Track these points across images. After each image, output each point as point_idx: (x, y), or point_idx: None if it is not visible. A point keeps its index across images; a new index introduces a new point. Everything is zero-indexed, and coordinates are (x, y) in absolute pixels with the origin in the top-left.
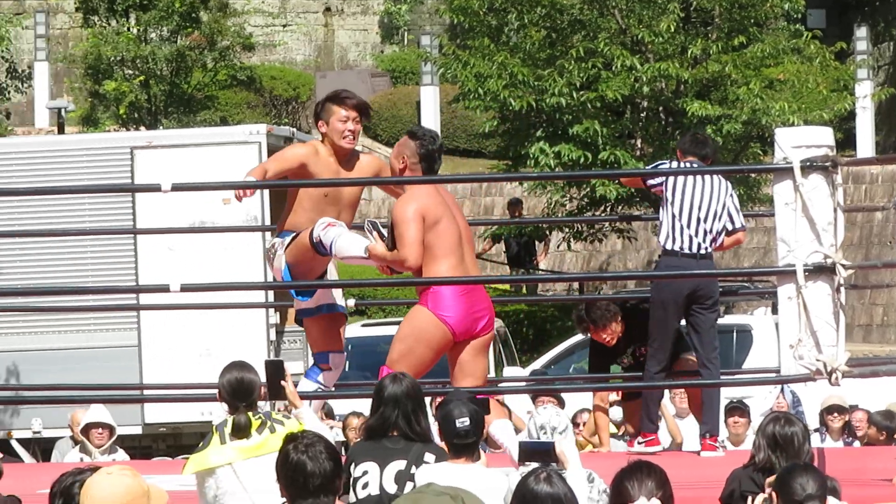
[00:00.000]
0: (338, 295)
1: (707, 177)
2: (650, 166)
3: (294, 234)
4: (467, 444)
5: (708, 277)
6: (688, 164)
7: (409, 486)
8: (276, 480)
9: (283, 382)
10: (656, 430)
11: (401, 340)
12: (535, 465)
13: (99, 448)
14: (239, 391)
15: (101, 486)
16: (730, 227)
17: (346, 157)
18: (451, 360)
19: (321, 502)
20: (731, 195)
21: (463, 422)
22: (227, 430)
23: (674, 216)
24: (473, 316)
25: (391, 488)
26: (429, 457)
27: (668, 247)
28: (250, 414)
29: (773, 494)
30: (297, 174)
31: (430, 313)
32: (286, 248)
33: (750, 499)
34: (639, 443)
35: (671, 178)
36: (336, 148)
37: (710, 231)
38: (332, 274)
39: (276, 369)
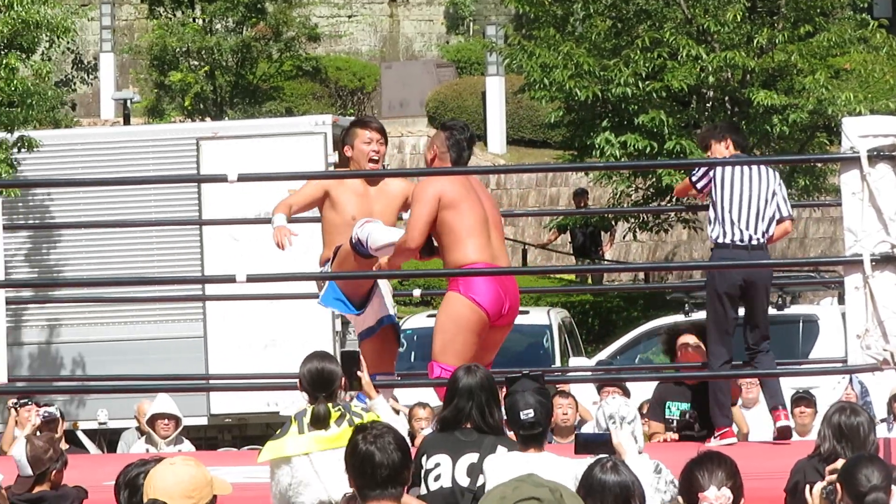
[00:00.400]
0: (390, 306)
1: (755, 166)
2: (698, 170)
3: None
4: (534, 434)
5: (774, 268)
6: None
7: (481, 478)
8: (345, 471)
9: (359, 373)
10: (730, 423)
11: (441, 331)
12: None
13: (165, 439)
14: (319, 381)
15: (164, 477)
16: (778, 216)
17: (374, 182)
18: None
19: (389, 493)
20: (780, 184)
21: (528, 413)
22: (306, 419)
23: (723, 209)
24: (501, 300)
25: (463, 481)
26: (501, 449)
27: (720, 240)
28: (330, 405)
29: (839, 485)
30: (323, 202)
31: (463, 297)
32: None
33: (808, 487)
34: (714, 438)
35: (719, 172)
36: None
37: (763, 220)
38: (385, 286)
39: (352, 360)
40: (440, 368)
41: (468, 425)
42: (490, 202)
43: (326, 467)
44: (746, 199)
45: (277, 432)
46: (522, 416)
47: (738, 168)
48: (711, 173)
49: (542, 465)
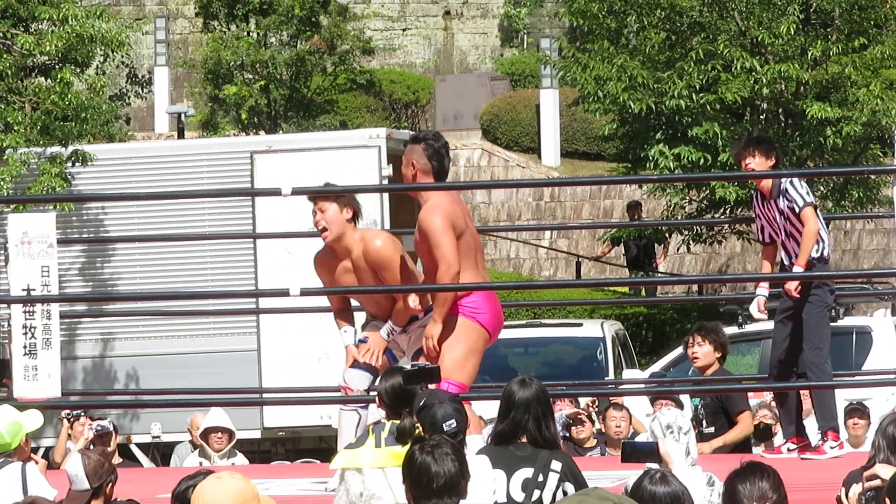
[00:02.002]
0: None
1: None
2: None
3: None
4: (459, 441)
5: (828, 279)
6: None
7: (536, 493)
8: (402, 481)
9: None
10: (838, 427)
11: (450, 350)
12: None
13: (218, 452)
14: (401, 396)
15: (212, 491)
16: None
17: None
18: None
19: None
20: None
21: (450, 424)
22: (384, 433)
23: (821, 225)
24: (500, 317)
25: (518, 496)
26: (555, 464)
27: (824, 254)
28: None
29: (887, 500)
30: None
31: (467, 319)
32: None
33: (844, 490)
34: (830, 447)
35: (805, 190)
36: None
37: None
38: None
39: (431, 375)
40: (447, 384)
41: (524, 439)
42: (471, 221)
43: (400, 482)
44: None
45: (354, 441)
46: (446, 428)
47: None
48: (807, 192)
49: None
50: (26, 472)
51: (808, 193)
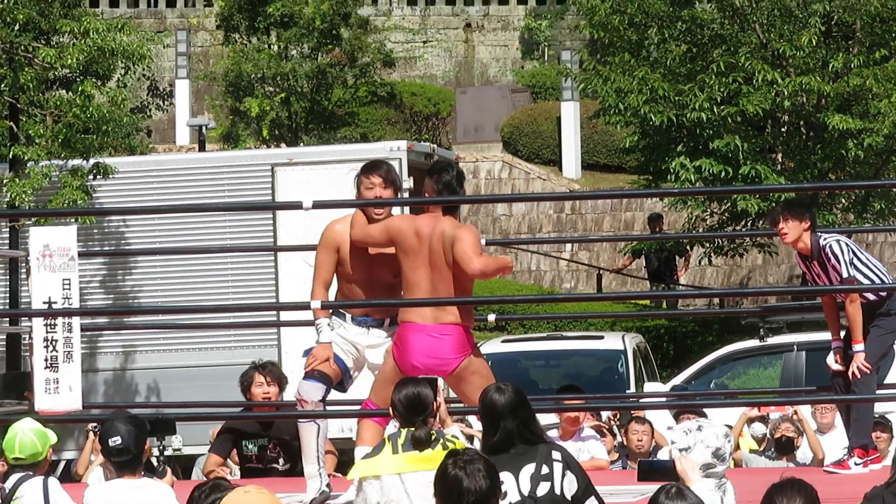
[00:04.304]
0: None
1: None
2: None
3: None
4: (124, 461)
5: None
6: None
7: (545, 485)
8: (433, 494)
9: (438, 399)
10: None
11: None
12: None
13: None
14: (416, 406)
15: None
16: None
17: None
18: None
19: None
20: None
21: (115, 440)
22: (401, 440)
23: (878, 268)
24: (411, 357)
25: (527, 489)
26: (556, 454)
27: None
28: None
29: None
30: (342, 260)
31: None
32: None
33: None
34: (855, 464)
35: (849, 256)
36: (369, 219)
37: None
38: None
39: (430, 385)
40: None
41: (516, 442)
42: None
43: (417, 488)
44: None
45: (370, 451)
46: (110, 443)
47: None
48: (850, 260)
49: (140, 490)
50: (48, 487)
51: (850, 261)
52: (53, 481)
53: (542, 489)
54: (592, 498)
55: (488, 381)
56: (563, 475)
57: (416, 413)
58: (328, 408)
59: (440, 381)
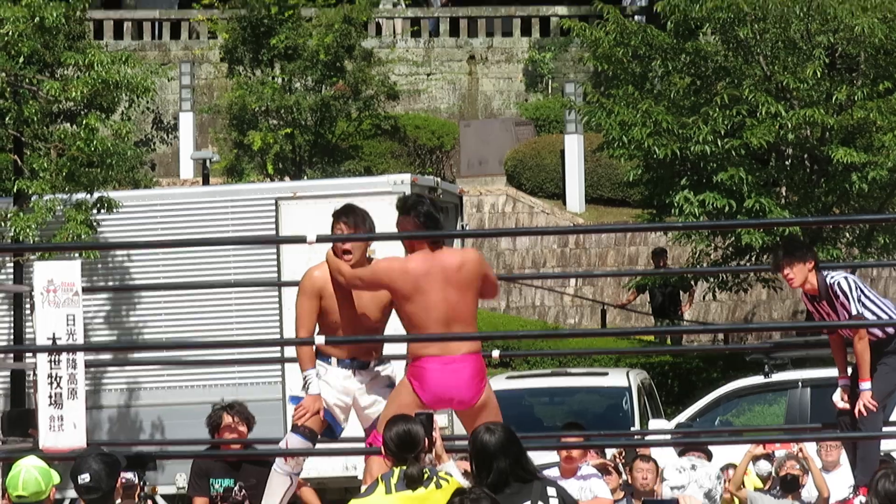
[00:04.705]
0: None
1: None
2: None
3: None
4: (93, 498)
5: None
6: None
7: None
8: None
9: (433, 434)
10: None
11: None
12: None
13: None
14: (407, 443)
15: None
16: None
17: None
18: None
19: None
20: None
21: (84, 478)
22: (394, 480)
23: (885, 305)
24: (443, 391)
25: None
26: (551, 490)
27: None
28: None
29: None
30: (323, 308)
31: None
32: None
33: None
34: (861, 502)
35: (857, 293)
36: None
37: None
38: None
39: (425, 421)
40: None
41: (511, 481)
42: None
43: None
44: None
45: (362, 491)
46: (79, 481)
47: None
48: (858, 297)
49: None
50: None
51: (858, 298)
52: None
53: None
54: None
55: (498, 417)
56: None
57: (407, 450)
58: (332, 445)
59: (436, 417)
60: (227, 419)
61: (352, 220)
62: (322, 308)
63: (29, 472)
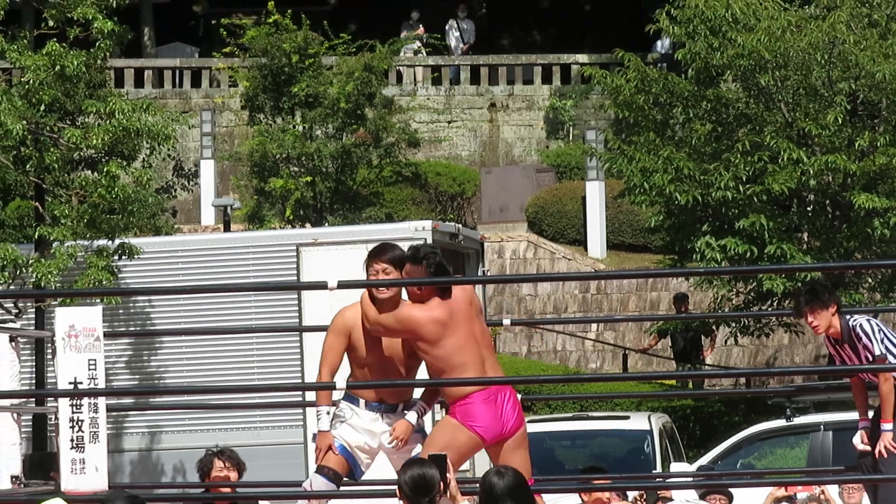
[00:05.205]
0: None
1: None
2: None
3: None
4: None
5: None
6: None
7: None
8: None
9: (447, 475)
10: None
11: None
12: None
13: None
14: (421, 486)
15: None
16: None
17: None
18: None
19: None
20: None
21: None
22: None
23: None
24: (497, 422)
25: None
26: None
27: None
28: None
29: None
30: (353, 345)
31: (457, 421)
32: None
33: None
34: None
35: (880, 335)
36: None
37: None
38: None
39: (439, 464)
40: None
41: None
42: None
43: None
44: None
45: None
46: None
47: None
48: (881, 339)
49: None
50: None
51: (882, 339)
52: None
53: None
54: None
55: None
56: None
57: (422, 494)
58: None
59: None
60: (218, 464)
61: (386, 258)
62: (351, 346)
63: None
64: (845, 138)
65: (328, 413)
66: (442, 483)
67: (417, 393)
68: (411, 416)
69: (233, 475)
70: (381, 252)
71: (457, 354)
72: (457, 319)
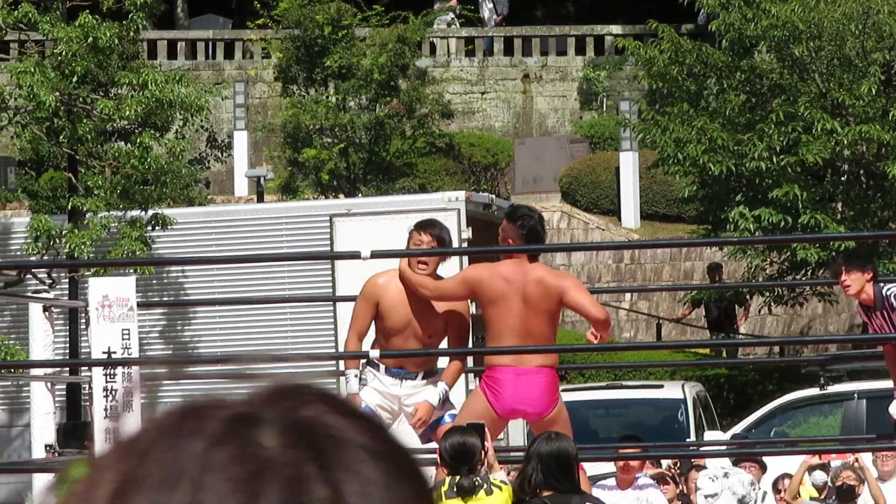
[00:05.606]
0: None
1: None
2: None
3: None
4: None
5: None
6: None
7: None
8: None
9: (486, 444)
10: None
11: (567, 427)
12: None
13: None
14: (462, 454)
15: None
16: None
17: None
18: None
19: None
20: None
21: None
22: (444, 488)
23: None
24: (516, 401)
25: None
26: None
27: None
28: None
29: None
30: (381, 313)
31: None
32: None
33: None
34: None
35: None
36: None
37: None
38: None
39: (478, 432)
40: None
41: (548, 492)
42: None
43: None
44: None
45: None
46: None
47: None
48: None
49: None
50: None
51: None
52: None
53: None
54: None
55: (568, 431)
56: None
57: (463, 462)
58: None
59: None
60: None
61: (434, 232)
62: (379, 314)
63: None
64: (879, 108)
65: (356, 376)
66: (482, 451)
67: (441, 363)
68: (432, 397)
69: None
70: (430, 225)
71: (499, 321)
72: (514, 288)
